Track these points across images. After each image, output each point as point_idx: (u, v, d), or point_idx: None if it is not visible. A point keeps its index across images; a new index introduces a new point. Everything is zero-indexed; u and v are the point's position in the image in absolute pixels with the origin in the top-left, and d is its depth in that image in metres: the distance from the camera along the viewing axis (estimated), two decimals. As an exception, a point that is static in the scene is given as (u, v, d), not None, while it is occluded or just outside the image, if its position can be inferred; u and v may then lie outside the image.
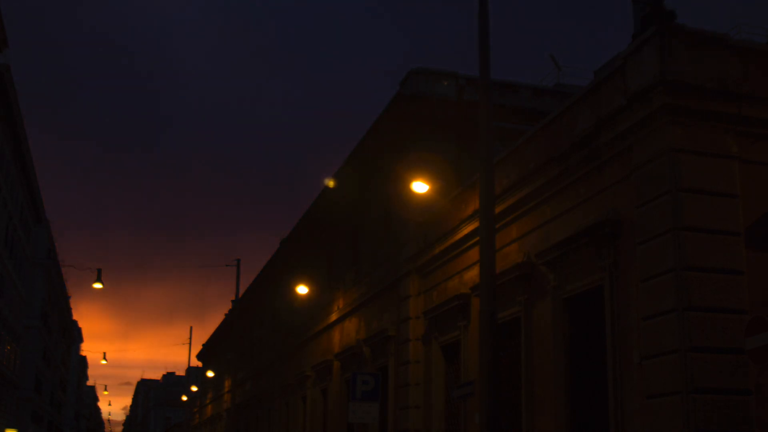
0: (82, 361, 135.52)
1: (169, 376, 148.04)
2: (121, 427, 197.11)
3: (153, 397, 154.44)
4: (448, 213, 19.46)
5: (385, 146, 23.79)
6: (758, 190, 12.34)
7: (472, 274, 17.76)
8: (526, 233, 16.12)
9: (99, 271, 40.99)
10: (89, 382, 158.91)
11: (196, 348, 68.18)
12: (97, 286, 41.08)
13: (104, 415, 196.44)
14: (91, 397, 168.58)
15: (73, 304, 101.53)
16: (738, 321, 11.62)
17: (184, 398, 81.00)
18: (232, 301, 48.60)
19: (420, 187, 18.74)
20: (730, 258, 11.91)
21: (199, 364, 68.69)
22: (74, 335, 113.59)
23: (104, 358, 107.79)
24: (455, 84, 21.93)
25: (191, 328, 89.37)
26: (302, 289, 29.98)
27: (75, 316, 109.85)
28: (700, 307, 11.59)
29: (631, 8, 13.88)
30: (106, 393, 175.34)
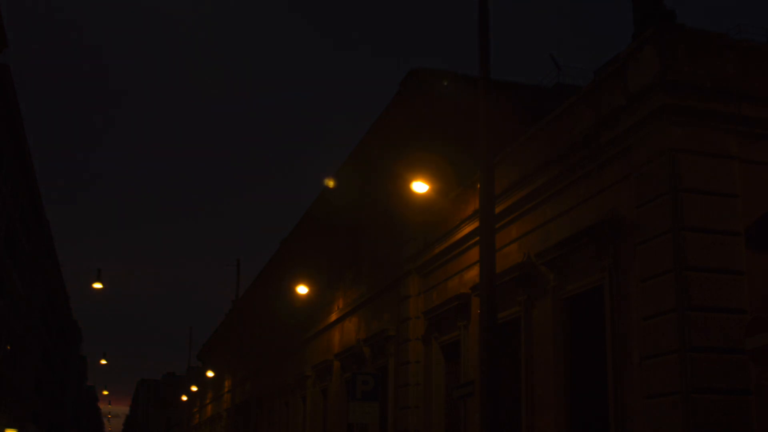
0: (82, 361, 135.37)
1: (169, 376, 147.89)
2: (121, 427, 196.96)
3: (153, 397, 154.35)
4: (448, 213, 19.46)
5: (385, 146, 23.78)
6: (758, 190, 12.34)
7: (472, 274, 17.76)
8: (526, 233, 16.11)
9: (99, 271, 41.06)
10: (89, 382, 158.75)
11: (196, 348, 68.14)
12: (97, 286, 41.11)
13: (104, 415, 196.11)
14: (91, 397, 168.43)
15: (73, 304, 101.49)
16: (738, 321, 11.62)
17: (184, 398, 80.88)
18: (232, 301, 48.59)
19: (420, 187, 18.73)
20: (730, 258, 11.91)
21: (199, 364, 68.64)
22: (74, 335, 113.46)
23: (104, 358, 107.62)
24: (455, 84, 21.91)
25: (191, 328, 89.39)
26: (302, 289, 29.97)
27: (75, 316, 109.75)
28: (700, 307, 11.59)
29: (631, 8, 13.85)
30: (106, 393, 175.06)
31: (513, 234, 16.52)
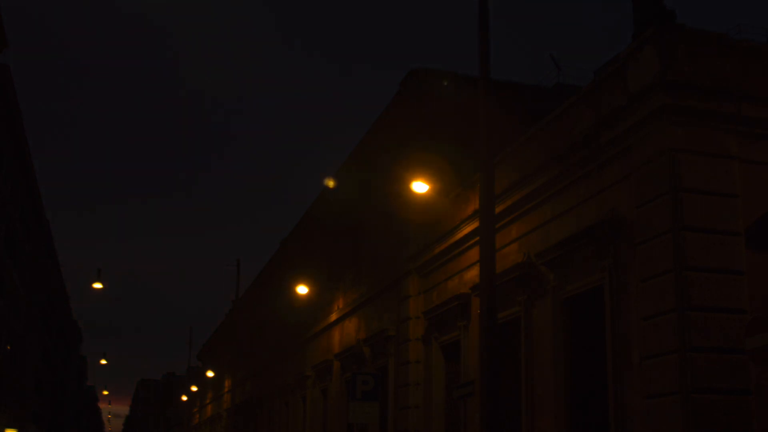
0: (82, 361, 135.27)
1: (169, 376, 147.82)
2: (121, 427, 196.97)
3: (153, 397, 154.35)
4: (448, 213, 19.46)
5: (385, 146, 23.79)
6: (758, 190, 12.34)
7: (472, 274, 17.76)
8: (526, 233, 16.11)
9: (99, 270, 41.10)
10: (89, 382, 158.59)
11: (196, 348, 68.18)
12: (97, 286, 41.16)
13: (104, 415, 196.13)
14: (91, 397, 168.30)
15: (73, 304, 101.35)
16: (738, 321, 11.62)
17: (184, 398, 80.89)
18: (232, 301, 48.59)
19: (420, 187, 18.73)
20: (730, 258, 11.91)
21: (199, 364, 68.65)
22: (74, 335, 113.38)
23: (104, 358, 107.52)
24: (455, 84, 21.90)
25: (191, 328, 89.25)
26: (302, 289, 29.98)
27: (75, 316, 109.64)
28: (700, 307, 11.59)
29: (631, 8, 13.86)
30: (106, 393, 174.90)
31: (513, 234, 16.52)
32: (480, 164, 12.17)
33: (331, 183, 28.51)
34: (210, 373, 57.88)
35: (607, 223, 13.26)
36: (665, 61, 12.24)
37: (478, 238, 12.82)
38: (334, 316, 28.50)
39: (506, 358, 16.09)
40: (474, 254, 17.68)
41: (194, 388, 71.02)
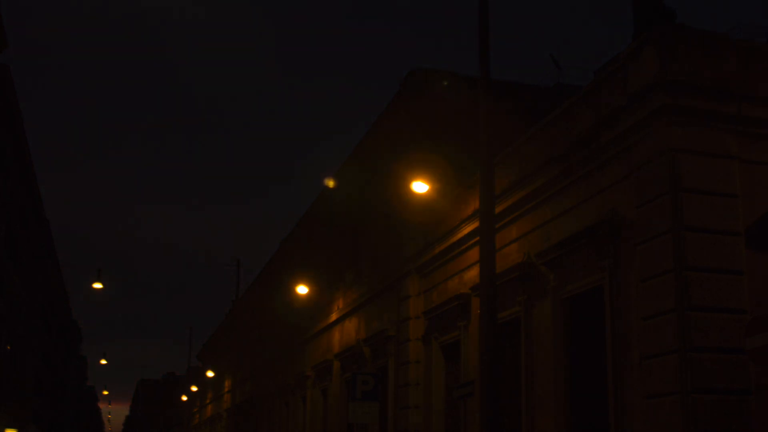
0: (82, 361, 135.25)
1: (169, 376, 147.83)
2: (121, 427, 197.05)
3: (153, 397, 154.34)
4: (448, 213, 19.46)
5: (385, 146, 23.79)
6: (758, 190, 12.34)
7: (472, 274, 17.75)
8: (526, 233, 16.11)
9: (99, 271, 41.11)
10: (89, 382, 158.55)
11: (196, 348, 68.17)
12: (97, 286, 41.17)
13: (104, 415, 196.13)
14: (91, 397, 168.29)
15: (72, 304, 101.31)
16: (738, 321, 11.62)
17: (184, 398, 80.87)
18: (232, 301, 48.60)
19: (420, 187, 18.74)
20: (730, 258, 11.92)
21: (199, 364, 68.64)
22: (74, 335, 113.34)
23: (104, 358, 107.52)
24: (455, 84, 21.90)
25: (191, 328, 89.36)
26: (302, 289, 29.96)
27: (75, 316, 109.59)
28: (700, 307, 11.59)
29: (631, 8, 13.86)
30: (106, 393, 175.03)
31: (513, 234, 16.52)
32: (480, 164, 12.18)
33: (331, 183, 28.50)
34: (210, 373, 57.86)
35: (607, 223, 13.26)
36: (665, 61, 12.24)
37: (478, 238, 12.82)
38: (334, 316, 28.49)
39: (506, 358, 16.10)
40: (474, 254, 17.68)
41: (194, 388, 71.00)
